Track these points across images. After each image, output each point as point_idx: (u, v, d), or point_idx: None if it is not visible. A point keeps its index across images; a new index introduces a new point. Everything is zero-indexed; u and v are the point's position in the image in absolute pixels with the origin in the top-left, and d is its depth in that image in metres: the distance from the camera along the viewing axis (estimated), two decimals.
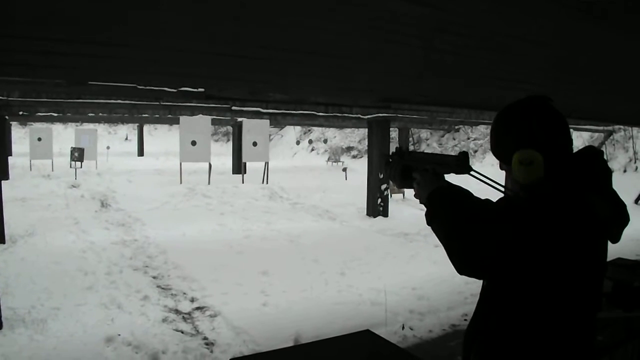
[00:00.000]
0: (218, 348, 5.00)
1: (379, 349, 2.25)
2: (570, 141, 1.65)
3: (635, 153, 18.35)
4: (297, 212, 13.95)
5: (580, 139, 19.81)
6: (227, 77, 4.49)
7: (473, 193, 1.64)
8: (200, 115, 13.62)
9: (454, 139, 25.67)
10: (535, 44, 5.18)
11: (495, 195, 1.69)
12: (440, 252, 8.53)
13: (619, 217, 1.61)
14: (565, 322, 1.57)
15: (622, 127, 18.07)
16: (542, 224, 1.46)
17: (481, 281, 1.77)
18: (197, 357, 4.75)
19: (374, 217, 13.53)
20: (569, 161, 1.61)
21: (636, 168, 17.82)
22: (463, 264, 1.53)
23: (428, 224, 1.69)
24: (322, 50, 4.13)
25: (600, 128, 17.76)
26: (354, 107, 11.21)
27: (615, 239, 1.64)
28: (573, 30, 4.71)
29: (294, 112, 11.63)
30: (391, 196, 14.81)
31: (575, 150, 1.68)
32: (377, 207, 13.64)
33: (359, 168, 24.01)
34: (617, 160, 18.59)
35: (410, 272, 8.22)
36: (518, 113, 1.66)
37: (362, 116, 12.61)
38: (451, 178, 1.76)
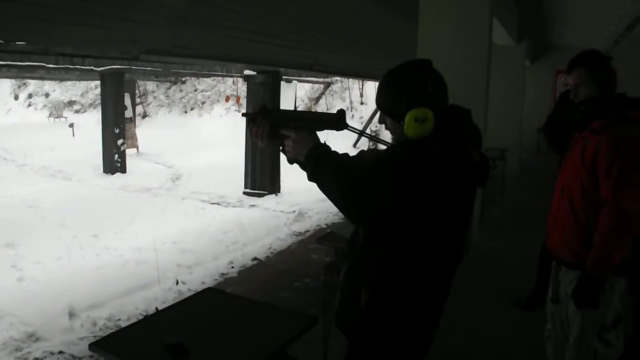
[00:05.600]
0: None
1: (230, 303, 2.29)
2: (447, 99, 1.82)
3: (351, 102, 20.69)
4: (26, 174, 12.88)
5: (302, 90, 21.33)
6: None
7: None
8: None
9: (181, 91, 25.45)
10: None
11: None
12: (190, 205, 8.60)
13: (487, 166, 1.87)
14: (443, 258, 1.81)
15: (339, 78, 19.93)
16: (435, 171, 1.65)
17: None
18: None
19: (112, 174, 13.02)
20: (448, 117, 1.78)
21: (352, 115, 20.00)
22: (360, 213, 1.66)
23: (310, 179, 1.75)
24: None
25: (321, 80, 19.29)
26: (86, 57, 10.32)
27: (484, 184, 1.89)
28: None
29: (20, 63, 10.25)
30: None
31: None
32: (114, 163, 13.10)
33: (84, 123, 22.51)
34: (335, 108, 20.60)
35: (164, 227, 8.17)
36: (414, 75, 1.76)
37: (95, 68, 11.74)
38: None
